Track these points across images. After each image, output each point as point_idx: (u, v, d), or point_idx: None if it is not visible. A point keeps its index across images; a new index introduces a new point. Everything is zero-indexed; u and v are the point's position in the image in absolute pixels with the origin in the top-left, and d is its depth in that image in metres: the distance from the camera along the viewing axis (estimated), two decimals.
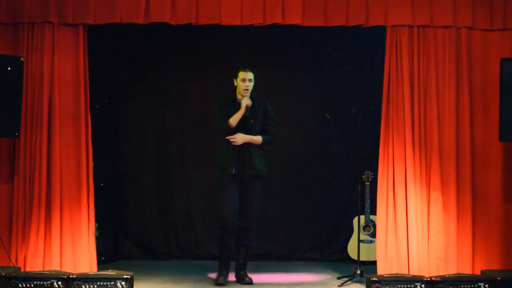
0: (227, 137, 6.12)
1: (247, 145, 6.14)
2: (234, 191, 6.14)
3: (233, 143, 6.12)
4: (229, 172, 6.11)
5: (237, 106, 6.15)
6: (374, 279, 5.57)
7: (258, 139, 6.19)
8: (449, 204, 6.18)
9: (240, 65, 6.25)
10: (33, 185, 6.10)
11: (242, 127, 6.14)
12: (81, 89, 6.22)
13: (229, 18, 6.19)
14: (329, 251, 7.59)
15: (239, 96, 6.20)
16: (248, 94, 6.16)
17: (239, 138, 6.12)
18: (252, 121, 6.16)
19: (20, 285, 5.50)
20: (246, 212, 6.20)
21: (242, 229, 6.23)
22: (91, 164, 6.25)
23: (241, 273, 6.24)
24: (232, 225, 6.15)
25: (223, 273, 6.20)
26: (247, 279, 6.22)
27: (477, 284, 5.57)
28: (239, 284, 6.20)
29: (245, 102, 6.12)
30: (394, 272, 5.99)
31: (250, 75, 6.15)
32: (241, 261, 6.27)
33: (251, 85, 6.15)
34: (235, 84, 6.21)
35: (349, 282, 6.24)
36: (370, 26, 6.25)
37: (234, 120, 6.11)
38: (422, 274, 5.95)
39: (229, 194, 6.14)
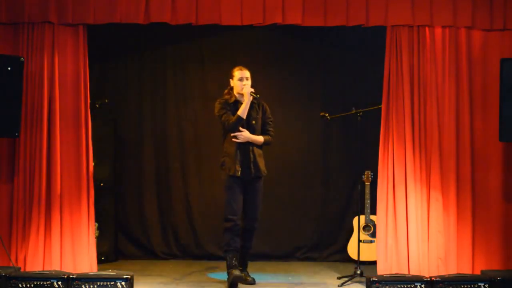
0: (233, 134, 6.06)
1: (250, 146, 6.12)
2: (238, 193, 6.09)
3: (236, 140, 6.06)
4: (236, 173, 6.06)
5: (238, 107, 6.09)
6: (374, 279, 5.57)
7: (260, 139, 6.18)
8: (449, 204, 6.18)
9: (240, 65, 6.23)
10: (33, 185, 6.10)
11: (245, 128, 6.11)
12: (81, 89, 6.22)
13: (229, 18, 6.20)
14: (329, 251, 7.58)
15: (238, 97, 6.16)
16: (249, 88, 6.06)
17: (244, 136, 6.06)
18: (253, 122, 6.15)
19: (20, 285, 5.50)
20: (251, 213, 6.18)
21: (246, 229, 6.21)
22: (91, 164, 6.25)
23: (243, 273, 6.23)
24: (237, 227, 6.08)
25: (239, 273, 6.03)
26: (249, 279, 6.22)
27: (477, 284, 5.57)
28: (242, 284, 6.19)
29: (248, 90, 6.03)
30: (394, 272, 6.00)
31: (246, 73, 6.11)
32: (242, 260, 6.27)
33: (248, 83, 6.09)
34: (232, 84, 6.18)
35: (349, 282, 6.25)
36: (370, 26, 6.25)
37: (242, 112, 6.04)
38: (422, 274, 5.95)
39: (233, 197, 6.07)
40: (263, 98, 6.32)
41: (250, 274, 6.33)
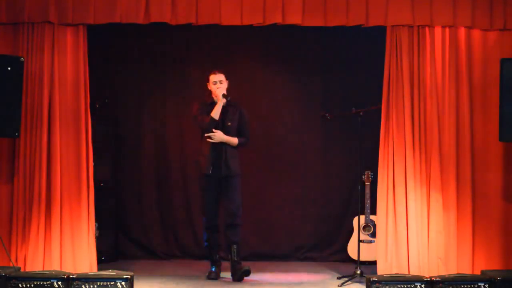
0: (206, 134, 6.32)
1: (224, 146, 6.36)
2: (212, 192, 6.39)
3: (210, 140, 6.31)
4: (206, 171, 6.33)
5: None
6: (374, 279, 5.57)
7: (234, 140, 6.41)
8: (449, 204, 6.18)
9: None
10: (33, 185, 6.10)
11: (220, 129, 6.35)
12: (81, 89, 6.22)
13: (229, 18, 6.20)
14: (329, 251, 7.58)
15: (215, 99, 6.41)
16: (222, 91, 6.35)
17: (218, 136, 6.33)
18: (229, 123, 6.40)
19: (20, 285, 5.50)
20: (229, 209, 6.35)
21: (228, 225, 6.37)
22: (91, 164, 6.25)
23: (237, 266, 6.31)
24: (213, 226, 6.42)
25: (215, 270, 6.43)
26: (245, 267, 6.30)
27: (477, 284, 5.56)
28: (239, 283, 6.23)
29: (220, 92, 6.33)
30: (394, 272, 5.99)
31: (220, 77, 6.39)
32: (235, 258, 6.33)
33: (222, 86, 6.37)
34: (209, 88, 6.44)
35: (349, 282, 6.25)
36: (370, 26, 6.25)
37: (215, 113, 6.33)
38: (422, 274, 5.95)
39: (207, 197, 6.41)
40: (265, 98, 6.35)
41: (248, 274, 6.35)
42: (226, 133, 6.38)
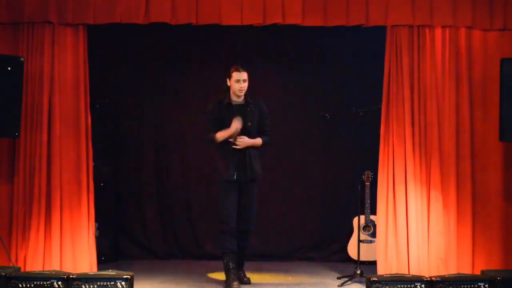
0: (232, 140, 6.00)
1: (247, 149, 6.07)
2: (233, 195, 6.07)
3: (236, 147, 6.02)
4: (230, 177, 6.02)
5: (232, 110, 6.05)
6: (374, 279, 5.57)
7: (258, 142, 6.13)
8: (449, 204, 6.18)
9: (240, 64, 6.21)
10: (33, 185, 6.10)
11: (241, 130, 6.03)
12: (81, 89, 6.22)
13: (229, 18, 6.19)
14: (329, 251, 7.58)
15: (233, 97, 6.09)
16: (242, 95, 6.05)
17: (244, 142, 6.01)
18: (249, 124, 6.08)
19: (20, 285, 5.50)
20: (245, 215, 6.17)
21: (242, 231, 6.19)
22: (91, 164, 6.25)
23: (239, 272, 6.24)
24: (233, 229, 6.06)
25: (235, 279, 6.01)
26: (245, 279, 6.24)
27: (477, 284, 5.56)
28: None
29: (236, 124, 5.95)
30: (394, 272, 5.99)
31: (244, 75, 6.02)
32: (238, 261, 6.26)
33: (245, 85, 6.04)
34: (229, 84, 6.08)
35: (349, 282, 6.25)
36: (370, 26, 6.25)
37: (221, 136, 6.01)
38: (422, 274, 5.95)
39: (228, 199, 6.05)
40: (264, 98, 6.33)
41: (247, 273, 6.33)
42: (247, 133, 6.03)
